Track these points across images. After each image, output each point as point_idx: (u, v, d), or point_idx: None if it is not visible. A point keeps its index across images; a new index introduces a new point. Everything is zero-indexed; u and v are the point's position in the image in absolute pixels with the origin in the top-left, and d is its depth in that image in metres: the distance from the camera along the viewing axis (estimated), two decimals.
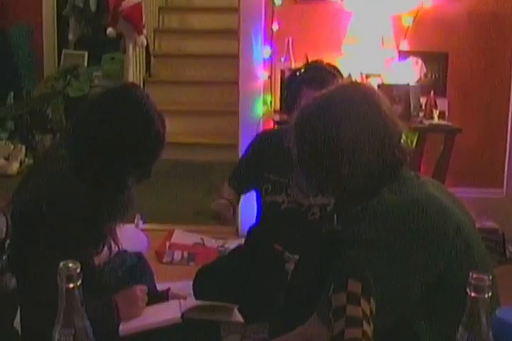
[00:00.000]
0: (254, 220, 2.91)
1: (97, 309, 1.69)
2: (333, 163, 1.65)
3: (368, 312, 1.32)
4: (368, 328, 1.30)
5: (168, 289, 2.23)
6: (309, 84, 2.47)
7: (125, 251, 2.27)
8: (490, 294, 1.14)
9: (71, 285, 1.13)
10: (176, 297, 2.15)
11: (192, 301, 2.12)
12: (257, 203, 2.83)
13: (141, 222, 3.98)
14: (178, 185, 5.24)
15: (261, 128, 4.07)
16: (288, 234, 2.62)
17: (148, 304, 2.00)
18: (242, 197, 2.92)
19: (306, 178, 1.77)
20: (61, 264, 1.14)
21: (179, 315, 1.96)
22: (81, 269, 1.14)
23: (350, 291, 1.34)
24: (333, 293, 1.36)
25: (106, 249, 2.08)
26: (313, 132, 1.67)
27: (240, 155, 3.06)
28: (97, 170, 1.90)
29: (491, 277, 1.15)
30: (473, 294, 1.13)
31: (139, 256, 2.34)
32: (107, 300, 1.92)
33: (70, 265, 1.14)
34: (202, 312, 2.01)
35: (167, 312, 1.98)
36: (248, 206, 3.37)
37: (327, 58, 3.09)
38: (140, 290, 1.99)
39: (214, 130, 6.06)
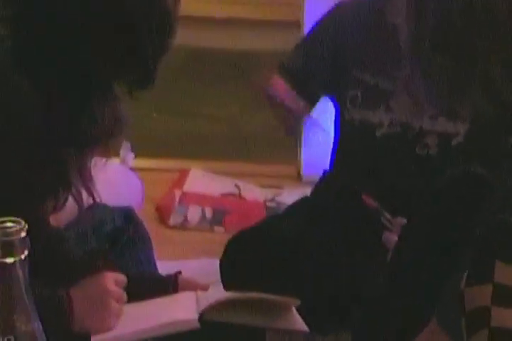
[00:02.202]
0: (328, 155, 2.25)
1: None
2: (485, 46, 1.23)
3: None
4: None
5: (179, 273, 1.81)
6: None
7: (105, 206, 1.85)
8: None
9: (10, 260, 0.85)
10: (191, 286, 1.73)
11: (217, 293, 1.73)
12: (336, 125, 2.21)
13: (130, 156, 2.96)
14: (196, 93, 3.82)
15: None
16: (387, 178, 2.05)
17: (145, 297, 1.59)
18: (312, 110, 2.23)
19: (429, 78, 1.36)
20: None
21: (196, 316, 1.56)
22: (29, 234, 0.84)
23: (500, 283, 1.13)
24: (467, 286, 1.17)
25: (71, 201, 1.58)
26: None
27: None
28: (58, 60, 1.39)
29: None
30: None
31: (128, 214, 1.90)
32: (55, 295, 1.44)
33: (9, 225, 0.86)
34: (234, 313, 1.61)
35: (176, 312, 1.61)
36: (316, 131, 2.67)
37: None
38: (114, 279, 1.51)
39: None
